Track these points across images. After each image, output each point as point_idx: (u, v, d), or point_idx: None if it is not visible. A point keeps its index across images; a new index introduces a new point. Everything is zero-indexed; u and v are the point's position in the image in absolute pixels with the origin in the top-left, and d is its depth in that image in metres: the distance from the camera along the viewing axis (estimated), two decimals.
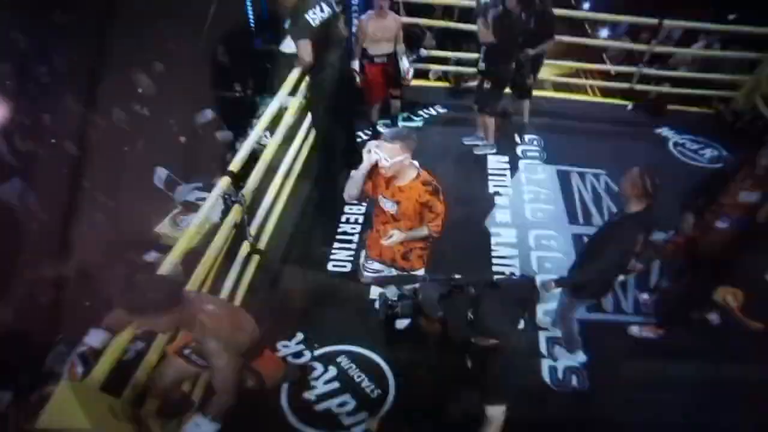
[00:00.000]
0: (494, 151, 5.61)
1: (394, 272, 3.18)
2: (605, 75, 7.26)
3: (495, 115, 5.44)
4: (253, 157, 4.49)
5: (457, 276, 2.27)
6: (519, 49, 5.16)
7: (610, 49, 7.76)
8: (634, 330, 3.78)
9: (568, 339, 3.57)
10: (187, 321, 2.15)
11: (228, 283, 3.54)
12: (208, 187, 4.61)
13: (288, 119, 4.62)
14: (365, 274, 3.29)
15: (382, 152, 2.58)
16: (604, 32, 8.61)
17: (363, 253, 3.33)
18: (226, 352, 2.17)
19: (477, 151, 5.61)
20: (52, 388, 2.99)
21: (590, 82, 7.21)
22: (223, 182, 3.46)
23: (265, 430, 3.09)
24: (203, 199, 4.41)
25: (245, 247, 3.86)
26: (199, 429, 2.07)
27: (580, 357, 3.57)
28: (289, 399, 3.24)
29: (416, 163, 2.75)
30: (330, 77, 4.59)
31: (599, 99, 7.16)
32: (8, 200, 4.51)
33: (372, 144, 2.63)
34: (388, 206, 2.82)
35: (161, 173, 4.97)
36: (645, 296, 4.07)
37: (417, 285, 2.33)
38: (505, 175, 5.37)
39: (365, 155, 2.67)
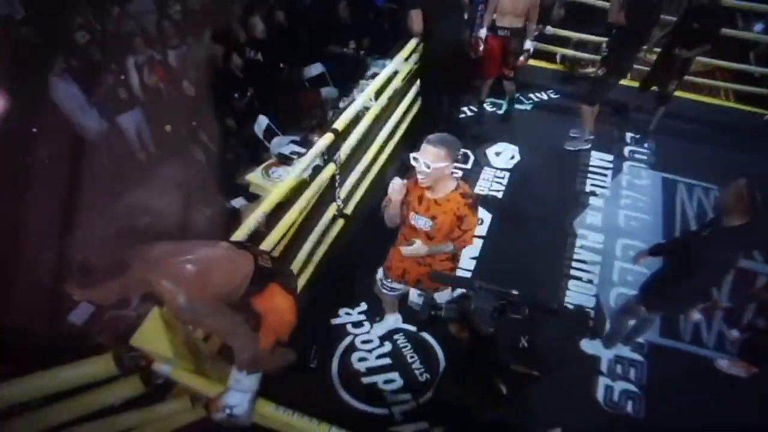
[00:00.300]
0: (587, 147, 5.25)
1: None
2: (747, 77, 6.44)
3: (593, 105, 5.04)
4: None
5: (513, 291, 2.15)
6: (650, 37, 4.80)
7: (762, 45, 6.81)
8: (722, 364, 3.47)
9: (611, 335, 3.42)
10: (139, 286, 1.89)
11: (309, 241, 3.60)
12: (305, 143, 4.79)
13: (397, 85, 4.59)
14: (383, 291, 3.12)
15: (422, 157, 2.38)
16: (758, 26, 7.58)
17: (380, 271, 3.09)
18: (212, 315, 1.90)
19: (568, 146, 5.25)
20: (128, 310, 3.32)
21: (726, 84, 6.43)
22: (326, 138, 3.49)
23: (310, 391, 2.97)
24: (297, 153, 4.58)
25: (332, 209, 3.90)
26: (240, 385, 1.99)
27: (609, 354, 3.45)
28: (339, 364, 3.33)
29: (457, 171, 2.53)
30: (440, 48, 4.49)
31: (731, 104, 6.42)
32: (127, 128, 4.95)
33: (412, 155, 2.43)
34: (420, 224, 2.59)
35: (262, 122, 5.17)
36: (735, 333, 3.68)
37: (469, 291, 2.22)
38: (605, 174, 5.03)
39: (390, 189, 2.51)
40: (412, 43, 4.67)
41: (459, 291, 2.30)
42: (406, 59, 4.71)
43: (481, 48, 4.90)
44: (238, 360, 1.99)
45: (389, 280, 3.02)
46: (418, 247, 2.56)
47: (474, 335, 2.25)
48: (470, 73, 5.23)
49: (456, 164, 2.49)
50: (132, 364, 2.08)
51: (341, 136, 3.67)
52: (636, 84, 5.52)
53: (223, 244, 2.22)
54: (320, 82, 5.92)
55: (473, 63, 5.06)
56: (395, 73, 4.58)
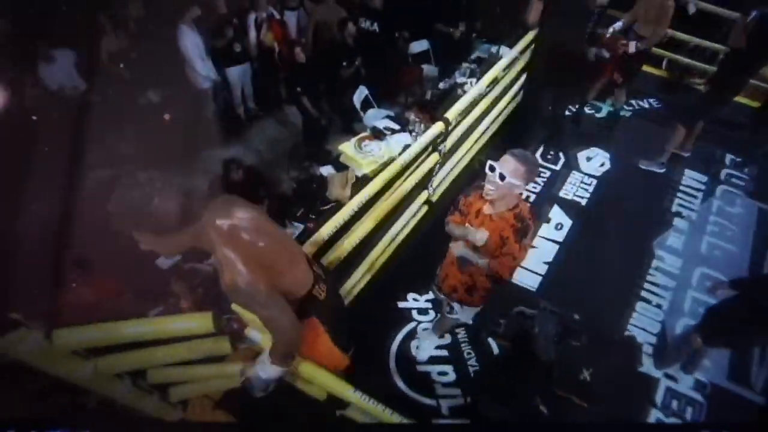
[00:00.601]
0: (662, 170, 4.81)
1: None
2: None
3: (691, 127, 4.64)
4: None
5: (576, 316, 2.03)
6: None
7: None
8: None
9: (666, 359, 3.25)
10: (204, 245, 1.69)
11: (395, 226, 3.52)
12: (400, 119, 4.72)
13: (509, 77, 4.36)
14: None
15: (501, 167, 2.15)
16: None
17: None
18: (265, 303, 1.66)
19: (642, 164, 4.84)
20: (205, 264, 3.43)
21: None
22: (437, 127, 3.34)
23: (365, 368, 2.82)
24: (391, 129, 4.53)
25: (423, 197, 3.78)
26: (264, 369, 1.87)
27: (656, 373, 3.27)
28: (398, 348, 3.30)
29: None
30: (556, 42, 4.22)
31: None
32: (233, 81, 5.06)
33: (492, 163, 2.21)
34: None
35: (362, 92, 5.13)
36: None
37: (533, 311, 2.11)
38: (696, 196, 4.65)
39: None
40: (531, 34, 4.40)
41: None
42: (523, 51, 4.43)
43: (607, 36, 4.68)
44: (274, 350, 1.82)
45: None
46: (454, 246, 2.46)
47: (517, 349, 2.19)
48: (583, 71, 4.93)
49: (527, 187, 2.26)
50: (227, 326, 2.14)
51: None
52: (751, 102, 5.01)
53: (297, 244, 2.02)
54: (423, 58, 5.75)
55: (588, 61, 4.77)
56: (511, 63, 4.32)
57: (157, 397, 2.34)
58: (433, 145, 3.41)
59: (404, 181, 3.26)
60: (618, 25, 4.68)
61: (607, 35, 4.72)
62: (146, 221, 1.53)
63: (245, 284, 1.61)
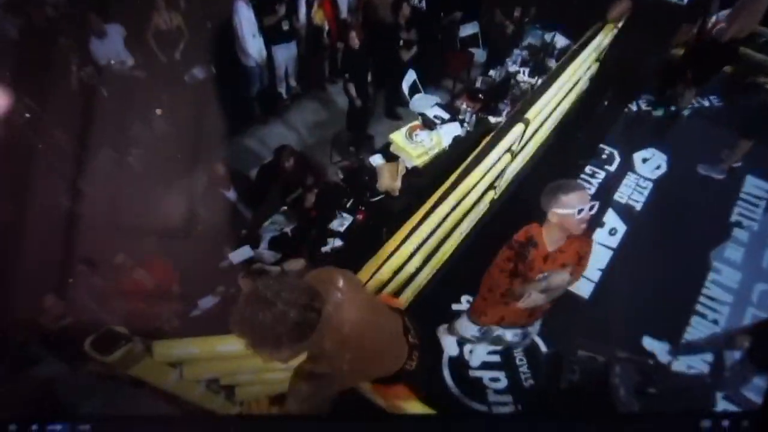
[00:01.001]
0: (721, 177, 4.44)
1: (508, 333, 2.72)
2: None
3: (752, 139, 4.28)
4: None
5: (650, 361, 1.89)
6: None
7: None
8: None
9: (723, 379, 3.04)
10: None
11: (460, 228, 3.38)
12: (450, 107, 4.49)
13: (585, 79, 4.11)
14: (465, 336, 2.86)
15: (583, 203, 2.11)
16: None
17: (463, 323, 2.82)
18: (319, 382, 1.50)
19: (700, 168, 4.49)
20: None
21: None
22: (517, 129, 3.19)
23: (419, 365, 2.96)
24: (441, 118, 4.31)
25: (489, 196, 3.59)
26: None
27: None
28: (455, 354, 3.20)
29: None
30: (635, 41, 3.93)
31: None
32: (279, 59, 4.86)
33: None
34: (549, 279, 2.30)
35: (410, 77, 4.89)
36: None
37: (603, 357, 1.97)
38: (758, 205, 4.32)
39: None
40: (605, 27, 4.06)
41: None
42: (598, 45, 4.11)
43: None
44: None
45: (475, 326, 2.75)
46: (534, 297, 2.31)
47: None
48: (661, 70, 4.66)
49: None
50: None
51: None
52: None
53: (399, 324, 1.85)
54: (471, 42, 5.43)
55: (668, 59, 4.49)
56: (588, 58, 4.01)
57: (223, 396, 2.44)
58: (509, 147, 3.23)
59: (477, 185, 3.10)
60: (722, 14, 4.25)
61: (709, 24, 4.30)
62: (286, 338, 1.31)
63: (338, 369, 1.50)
